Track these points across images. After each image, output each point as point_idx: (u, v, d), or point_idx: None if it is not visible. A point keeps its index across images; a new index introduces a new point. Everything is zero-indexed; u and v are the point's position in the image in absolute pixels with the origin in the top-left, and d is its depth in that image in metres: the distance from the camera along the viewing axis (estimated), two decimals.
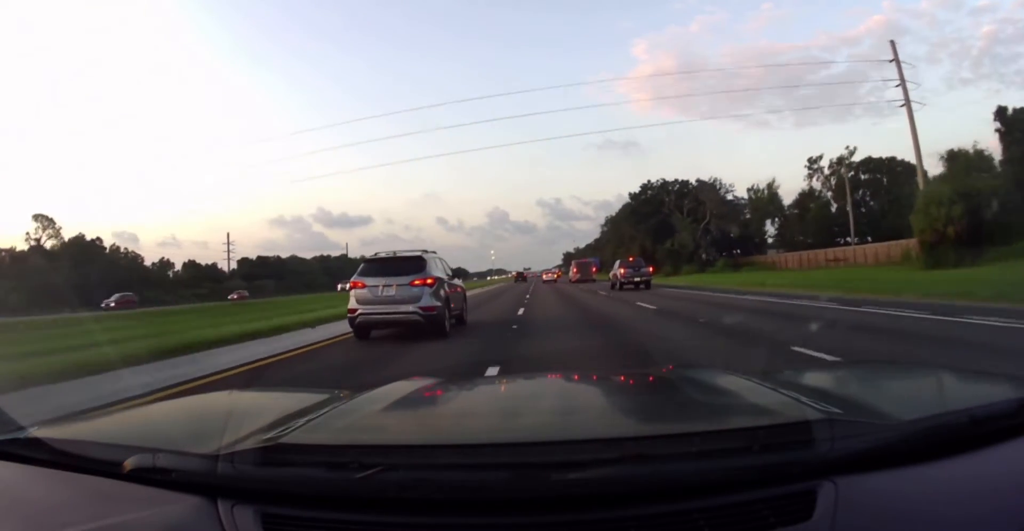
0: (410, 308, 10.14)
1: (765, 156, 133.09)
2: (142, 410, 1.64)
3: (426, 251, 11.30)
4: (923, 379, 1.52)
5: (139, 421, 1.45)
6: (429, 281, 10.34)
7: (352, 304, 10.52)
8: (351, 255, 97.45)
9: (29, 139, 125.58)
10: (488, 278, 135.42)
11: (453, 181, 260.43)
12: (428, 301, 10.19)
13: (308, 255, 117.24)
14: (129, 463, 0.93)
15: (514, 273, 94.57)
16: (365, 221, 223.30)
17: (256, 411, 1.35)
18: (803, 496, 0.78)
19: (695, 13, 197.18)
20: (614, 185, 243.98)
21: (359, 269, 10.92)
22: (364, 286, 10.46)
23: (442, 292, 10.61)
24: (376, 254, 11.31)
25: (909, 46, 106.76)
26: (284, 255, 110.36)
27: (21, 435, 1.12)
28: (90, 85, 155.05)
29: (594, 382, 1.81)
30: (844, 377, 1.57)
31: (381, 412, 1.29)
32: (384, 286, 10.33)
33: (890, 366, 1.86)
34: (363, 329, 10.66)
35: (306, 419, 1.12)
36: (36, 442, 1.07)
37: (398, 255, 11.09)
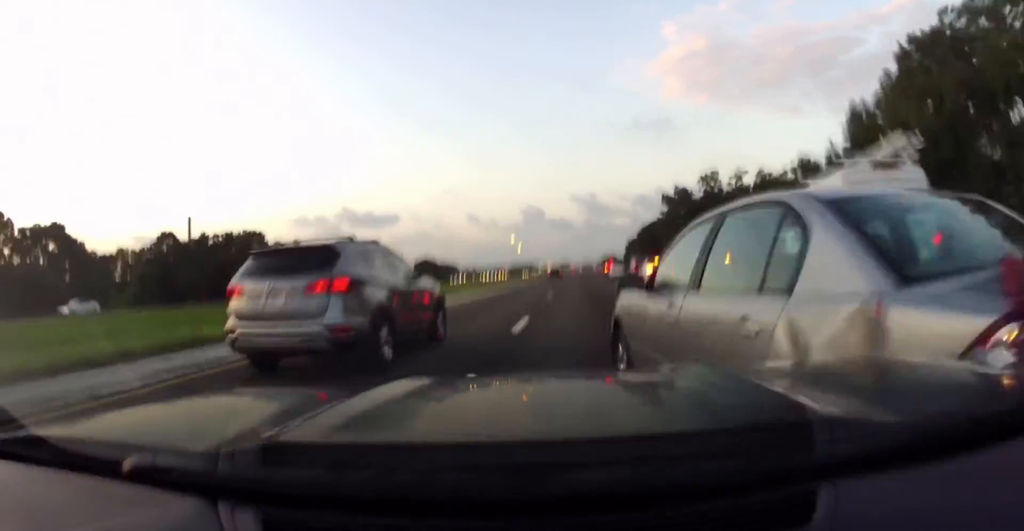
0: (310, 328, 6.29)
1: (798, 141, 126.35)
2: (143, 409, 1.64)
3: (350, 240, 7.47)
4: (923, 378, 1.46)
5: (140, 420, 1.44)
6: (339, 284, 6.42)
7: (230, 321, 6.86)
8: None
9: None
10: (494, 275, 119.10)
11: (483, 178, 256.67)
12: (338, 316, 6.34)
13: None
14: (129, 463, 0.91)
15: (548, 269, 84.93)
16: (392, 220, 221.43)
17: (257, 410, 1.35)
18: (802, 499, 0.77)
19: None
20: (649, 178, 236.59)
21: (243, 266, 7.22)
22: (243, 292, 6.75)
23: (371, 300, 6.80)
24: (258, 251, 7.85)
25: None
26: None
27: (20, 434, 1.10)
28: (95, 82, 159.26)
29: (594, 381, 1.80)
30: (844, 377, 1.52)
31: (382, 410, 1.27)
32: (270, 293, 6.54)
33: (890, 365, 1.82)
34: (256, 356, 7.02)
35: (307, 417, 1.11)
36: (35, 441, 1.05)
37: (300, 246, 7.64)
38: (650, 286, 4.01)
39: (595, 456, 0.83)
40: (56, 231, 69.31)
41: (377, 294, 7.07)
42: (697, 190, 66.02)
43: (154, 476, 0.90)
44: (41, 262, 67.93)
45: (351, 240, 7.54)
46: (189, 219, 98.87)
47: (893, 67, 32.98)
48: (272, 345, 6.76)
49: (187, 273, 73.92)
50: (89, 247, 74.26)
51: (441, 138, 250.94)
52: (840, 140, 38.23)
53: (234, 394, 1.97)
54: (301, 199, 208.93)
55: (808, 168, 51.85)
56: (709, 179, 65.94)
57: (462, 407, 1.46)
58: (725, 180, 64.12)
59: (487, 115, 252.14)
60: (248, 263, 7.33)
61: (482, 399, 1.58)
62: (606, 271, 64.80)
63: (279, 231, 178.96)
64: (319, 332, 6.33)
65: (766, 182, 57.52)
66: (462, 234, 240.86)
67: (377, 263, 7.59)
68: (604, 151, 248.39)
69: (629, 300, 4.60)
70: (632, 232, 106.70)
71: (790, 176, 54.41)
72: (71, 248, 70.26)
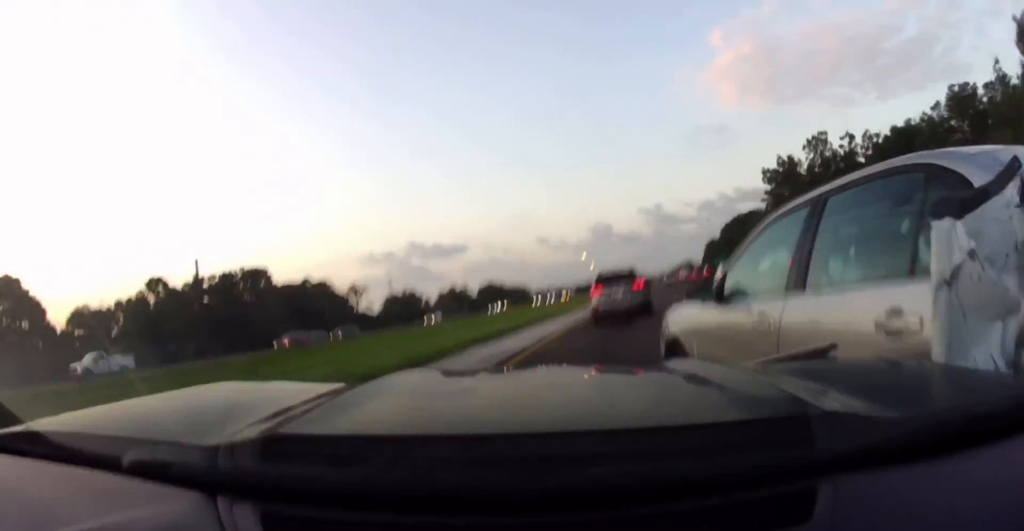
0: (633, 302, 17.42)
1: (856, 130, 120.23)
2: (142, 402, 1.56)
3: (632, 269, 19.19)
4: (923, 375, 1.45)
5: (139, 414, 1.42)
6: (642, 284, 18.25)
7: (594, 303, 18.32)
8: (452, 283, 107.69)
9: None
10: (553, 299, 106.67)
11: (549, 199, 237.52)
12: (644, 297, 17.80)
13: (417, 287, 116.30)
14: (128, 457, 0.91)
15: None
16: (460, 250, 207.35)
17: (256, 403, 1.33)
18: (802, 495, 0.76)
19: None
20: (713, 183, 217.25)
21: (596, 279, 18.93)
22: (601, 289, 18.00)
23: (648, 290, 18.61)
24: (602, 271, 19.25)
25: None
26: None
27: (19, 428, 1.11)
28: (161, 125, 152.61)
29: (592, 374, 1.83)
30: (843, 373, 1.49)
31: (382, 404, 1.28)
32: (614, 289, 17.85)
33: (890, 362, 1.72)
34: (600, 317, 17.70)
35: (307, 411, 1.12)
36: (34, 435, 1.06)
37: (617, 272, 18.82)
38: (720, 296, 3.41)
39: (594, 450, 0.81)
40: (10, 286, 57.95)
41: (649, 287, 19.56)
42: (804, 158, 59.83)
43: (153, 470, 0.89)
44: None
45: (633, 269, 19.26)
46: (196, 261, 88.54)
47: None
48: (614, 309, 17.32)
49: (190, 322, 61.84)
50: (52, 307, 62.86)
51: (503, 163, 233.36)
52: None
53: (233, 387, 1.92)
54: (364, 239, 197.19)
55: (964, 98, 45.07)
56: (816, 143, 58.41)
57: (462, 400, 1.45)
58: (835, 142, 58.77)
59: (548, 136, 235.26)
60: (598, 277, 18.76)
61: (481, 392, 1.57)
62: (705, 275, 54.90)
63: (348, 272, 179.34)
64: (638, 301, 17.33)
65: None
66: (533, 257, 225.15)
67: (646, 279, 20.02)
68: (665, 161, 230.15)
69: (690, 316, 4.01)
70: (713, 233, 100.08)
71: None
72: (27, 306, 58.76)
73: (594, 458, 0.79)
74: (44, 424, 1.11)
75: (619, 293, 17.55)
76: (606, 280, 18.16)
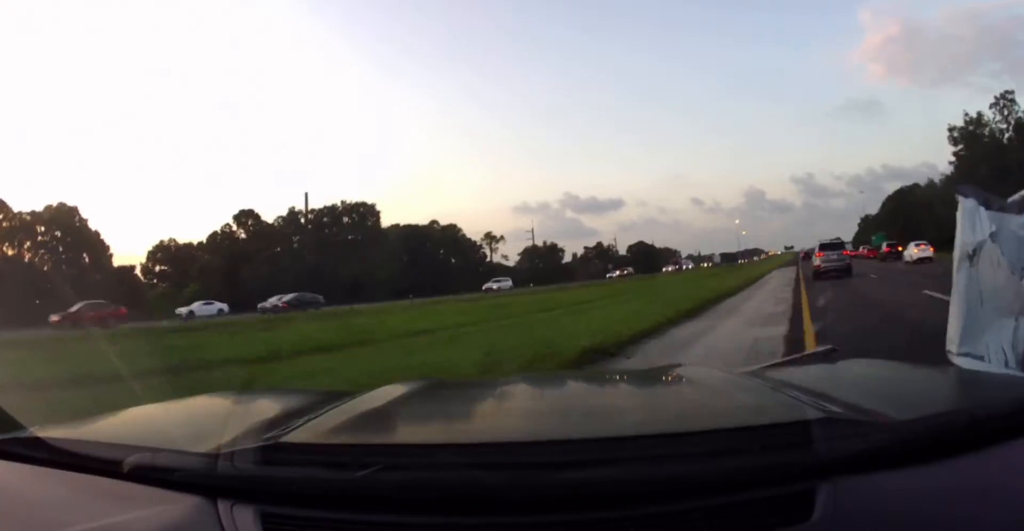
0: (841, 264, 25.81)
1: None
2: (143, 410, 1.59)
3: (841, 239, 30.33)
4: (923, 379, 1.50)
5: (139, 421, 1.44)
6: (847, 253, 28.47)
7: (816, 262, 26.90)
8: (605, 241, 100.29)
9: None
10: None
11: (706, 160, 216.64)
12: (847, 261, 26.54)
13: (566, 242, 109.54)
14: (129, 462, 0.93)
15: (801, 253, 77.27)
16: (616, 205, 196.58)
17: (256, 411, 1.35)
18: (802, 497, 0.77)
19: None
20: (861, 158, 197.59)
21: (818, 246, 27.88)
22: (822, 254, 26.60)
23: (850, 257, 27.91)
24: (822, 240, 28.30)
25: None
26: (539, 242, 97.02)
27: (21, 434, 1.13)
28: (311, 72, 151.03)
29: (593, 381, 1.82)
30: (844, 377, 1.55)
31: (381, 412, 1.29)
32: (828, 254, 26.52)
33: (890, 365, 1.79)
34: (819, 273, 25.44)
35: (306, 418, 1.13)
36: (36, 441, 1.08)
37: (833, 241, 28.21)
38: None
39: (594, 456, 0.82)
40: (66, 216, 51.02)
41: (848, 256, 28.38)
42: (991, 116, 56.58)
43: (154, 475, 0.91)
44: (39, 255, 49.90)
45: (842, 239, 32.30)
46: (306, 194, 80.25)
47: None
48: (827, 269, 26.24)
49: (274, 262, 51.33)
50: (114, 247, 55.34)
51: (664, 120, 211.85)
52: None
53: (234, 394, 1.92)
54: (519, 187, 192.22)
55: None
56: (1003, 103, 54.81)
57: (462, 408, 1.44)
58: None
59: (710, 97, 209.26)
60: (820, 245, 28.20)
61: (481, 400, 1.55)
62: (885, 250, 46.50)
63: (501, 220, 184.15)
64: (844, 265, 26.46)
65: None
66: (687, 218, 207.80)
67: (847, 247, 32.94)
68: (817, 132, 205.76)
69: None
70: (862, 210, 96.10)
71: None
72: (83, 238, 51.53)
73: (595, 463, 0.79)
74: (46, 430, 1.10)
75: (833, 256, 26.40)
76: (825, 246, 27.36)
